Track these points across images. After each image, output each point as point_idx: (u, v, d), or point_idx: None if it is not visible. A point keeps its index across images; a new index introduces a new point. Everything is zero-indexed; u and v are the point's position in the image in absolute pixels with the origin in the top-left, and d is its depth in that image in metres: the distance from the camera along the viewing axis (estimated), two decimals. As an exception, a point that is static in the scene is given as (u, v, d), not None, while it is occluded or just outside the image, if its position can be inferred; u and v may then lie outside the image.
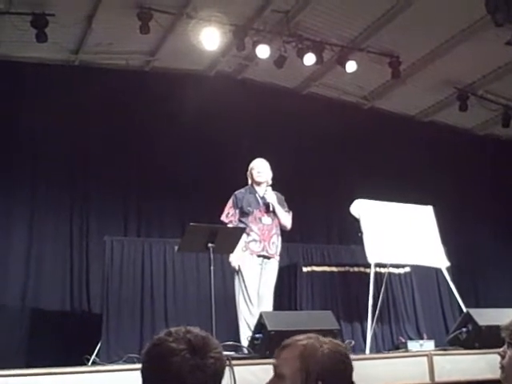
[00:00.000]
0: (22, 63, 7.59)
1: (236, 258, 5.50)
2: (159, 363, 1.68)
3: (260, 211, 5.68)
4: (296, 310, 6.94)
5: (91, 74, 7.92)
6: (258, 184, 5.77)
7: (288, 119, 8.55)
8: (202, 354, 1.68)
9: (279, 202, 5.76)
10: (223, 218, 5.70)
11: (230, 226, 5.63)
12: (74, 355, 5.92)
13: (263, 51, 7.65)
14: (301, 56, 7.87)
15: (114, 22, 7.31)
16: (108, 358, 5.95)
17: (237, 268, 5.51)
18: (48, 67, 7.75)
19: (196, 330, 1.77)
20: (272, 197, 5.67)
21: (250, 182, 5.88)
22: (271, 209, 5.65)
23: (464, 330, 5.21)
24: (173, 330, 1.75)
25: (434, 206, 7.23)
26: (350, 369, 1.85)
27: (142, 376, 1.73)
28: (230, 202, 5.75)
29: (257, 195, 5.75)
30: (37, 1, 6.75)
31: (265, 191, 5.71)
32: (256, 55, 7.79)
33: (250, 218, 5.63)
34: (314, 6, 7.46)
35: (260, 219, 5.65)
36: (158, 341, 1.72)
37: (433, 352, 5.04)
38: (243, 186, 5.89)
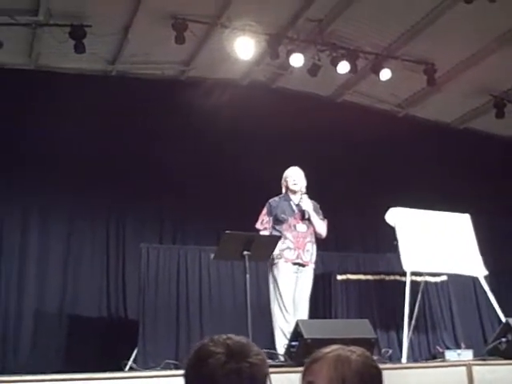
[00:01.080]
0: (60, 73, 7.75)
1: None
2: (196, 365, 1.72)
3: (295, 219, 5.68)
4: (331, 318, 6.91)
5: (127, 83, 8.05)
6: (293, 192, 5.79)
7: (322, 127, 8.52)
8: (239, 358, 1.70)
9: (314, 210, 5.76)
10: (258, 225, 5.72)
11: (264, 232, 5.64)
12: (110, 360, 6.03)
13: (297, 60, 7.67)
14: (335, 64, 7.86)
15: (149, 33, 7.40)
16: (144, 364, 6.01)
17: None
18: (85, 77, 7.90)
19: (239, 337, 1.80)
20: (308, 204, 5.68)
21: (284, 190, 5.89)
22: (307, 216, 5.65)
23: (504, 339, 5.13)
24: (216, 336, 1.79)
25: (471, 214, 7.14)
26: (381, 373, 1.86)
27: (184, 380, 1.76)
28: (264, 210, 5.77)
29: (291, 203, 5.76)
30: (75, 13, 6.89)
31: (300, 199, 5.72)
32: (290, 64, 7.81)
33: (285, 226, 5.63)
34: (348, 15, 7.46)
35: (294, 227, 5.65)
36: (200, 345, 1.77)
37: (472, 362, 4.96)
38: (277, 194, 5.91)
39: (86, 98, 7.45)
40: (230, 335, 1.78)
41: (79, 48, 6.94)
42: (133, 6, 6.97)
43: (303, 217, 5.66)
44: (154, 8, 7.00)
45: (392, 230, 6.63)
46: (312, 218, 5.68)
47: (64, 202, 7.52)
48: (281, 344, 5.25)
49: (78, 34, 6.88)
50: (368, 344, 4.53)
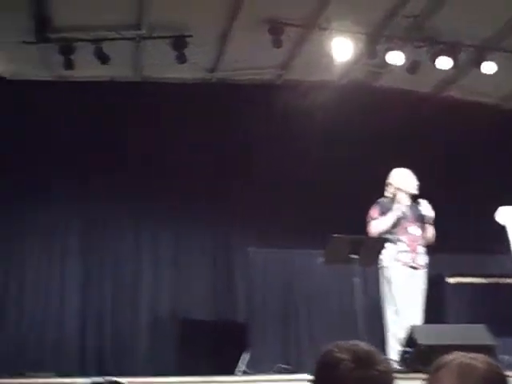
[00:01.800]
0: (163, 84, 7.98)
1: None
2: (325, 372, 1.73)
3: (407, 221, 5.60)
4: (442, 322, 6.71)
5: (227, 90, 8.18)
6: (408, 195, 5.71)
7: (425, 125, 8.31)
8: (367, 365, 1.69)
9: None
10: (368, 219, 5.67)
11: (377, 221, 5.59)
12: (220, 363, 6.17)
13: (396, 58, 7.54)
14: (434, 60, 7.67)
15: (247, 39, 7.49)
16: (255, 367, 6.09)
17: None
18: (187, 86, 8.09)
19: (363, 343, 1.79)
20: (429, 210, 5.59)
21: (391, 191, 5.80)
22: (426, 221, 5.57)
23: None
24: (341, 342, 1.79)
25: None
26: (506, 381, 1.79)
27: None
28: (376, 209, 5.71)
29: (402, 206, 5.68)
30: (175, 24, 7.09)
31: (419, 203, 5.64)
32: (388, 62, 7.68)
33: (398, 229, 5.56)
34: (446, 8, 7.23)
35: (407, 229, 5.57)
36: (326, 351, 1.77)
37: None
38: (382, 194, 5.83)
39: (188, 106, 7.68)
40: (355, 341, 1.78)
41: (181, 58, 7.13)
42: (231, 13, 7.08)
43: (422, 221, 5.59)
44: (250, 14, 7.07)
45: (503, 230, 6.37)
46: (428, 224, 5.59)
47: (172, 207, 7.75)
48: (393, 350, 5.17)
49: (179, 45, 7.06)
50: (487, 351, 4.36)
